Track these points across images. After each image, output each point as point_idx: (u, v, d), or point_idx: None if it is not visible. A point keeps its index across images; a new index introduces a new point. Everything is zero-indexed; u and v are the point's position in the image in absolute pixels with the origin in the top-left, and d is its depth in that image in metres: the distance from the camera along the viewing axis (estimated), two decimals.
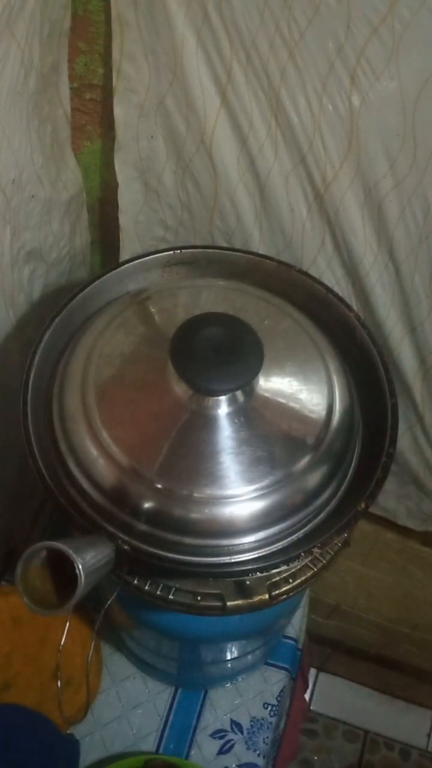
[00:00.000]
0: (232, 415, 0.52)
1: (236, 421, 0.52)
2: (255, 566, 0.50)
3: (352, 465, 0.56)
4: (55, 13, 0.60)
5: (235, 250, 0.68)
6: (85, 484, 0.52)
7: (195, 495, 0.50)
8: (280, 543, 0.52)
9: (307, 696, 1.37)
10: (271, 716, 0.87)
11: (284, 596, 0.53)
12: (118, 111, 0.66)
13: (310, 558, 0.52)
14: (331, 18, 0.55)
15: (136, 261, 0.65)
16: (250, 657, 0.81)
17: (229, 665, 0.81)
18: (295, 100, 0.61)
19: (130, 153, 0.70)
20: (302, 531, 0.53)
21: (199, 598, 0.52)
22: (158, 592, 0.52)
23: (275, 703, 0.88)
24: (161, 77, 0.63)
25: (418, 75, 0.56)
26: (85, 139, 0.74)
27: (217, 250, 0.67)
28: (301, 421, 0.54)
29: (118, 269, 0.64)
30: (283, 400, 0.54)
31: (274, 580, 0.53)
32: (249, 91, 0.62)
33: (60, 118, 0.68)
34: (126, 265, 0.65)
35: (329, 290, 0.63)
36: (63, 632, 0.53)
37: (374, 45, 0.55)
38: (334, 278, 0.74)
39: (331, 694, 1.60)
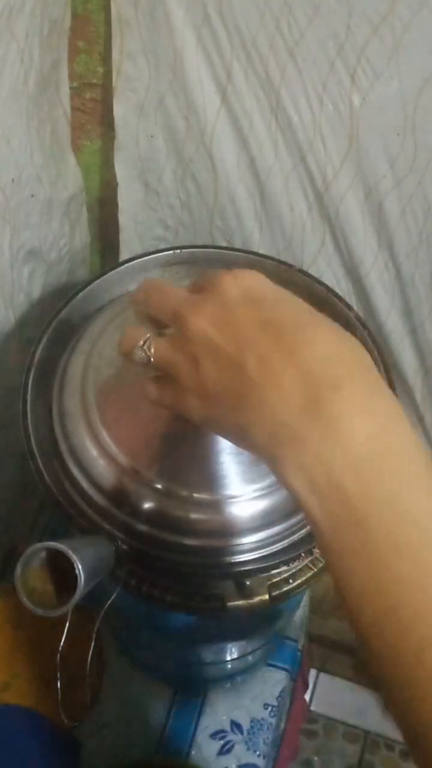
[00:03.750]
0: None
1: None
2: (255, 566, 0.50)
3: None
4: (55, 13, 0.60)
5: (235, 250, 0.68)
6: (85, 484, 0.52)
7: (195, 495, 0.50)
8: (280, 543, 0.52)
9: (307, 696, 1.37)
10: (271, 717, 0.87)
11: (284, 597, 0.53)
12: (118, 111, 0.66)
13: (310, 558, 0.52)
14: (331, 18, 0.55)
15: (136, 261, 0.65)
16: (250, 657, 0.80)
17: (229, 666, 0.81)
18: (295, 100, 0.61)
19: (130, 153, 0.70)
20: (302, 531, 0.53)
21: (199, 598, 0.52)
22: (158, 592, 0.52)
23: (275, 703, 0.88)
24: (161, 77, 0.63)
25: (418, 75, 0.56)
26: (85, 139, 0.74)
27: (217, 250, 0.67)
28: None
29: (118, 269, 0.64)
30: None
31: (274, 580, 0.53)
32: (249, 91, 0.62)
33: (60, 118, 0.68)
34: (126, 265, 0.64)
35: (330, 290, 0.63)
36: (63, 632, 0.53)
37: (374, 45, 0.55)
38: (334, 278, 0.74)
39: (331, 695, 1.59)
